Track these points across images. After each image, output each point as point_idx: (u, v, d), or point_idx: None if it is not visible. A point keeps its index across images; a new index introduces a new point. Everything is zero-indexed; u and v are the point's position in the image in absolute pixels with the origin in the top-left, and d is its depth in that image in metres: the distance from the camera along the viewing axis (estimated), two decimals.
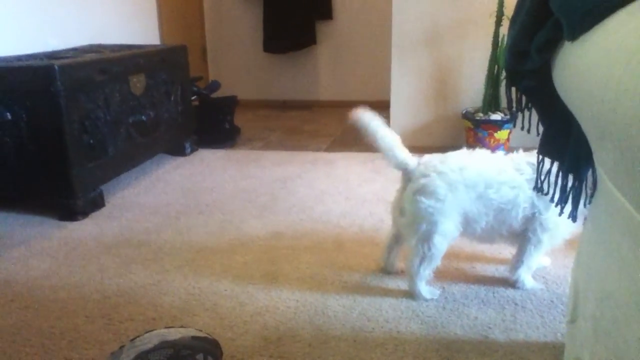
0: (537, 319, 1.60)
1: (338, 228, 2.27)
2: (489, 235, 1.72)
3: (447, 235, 1.66)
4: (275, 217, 2.39)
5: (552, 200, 1.43)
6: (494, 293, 1.75)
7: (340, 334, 1.56)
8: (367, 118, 1.79)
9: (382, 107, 4.47)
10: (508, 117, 2.96)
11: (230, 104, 3.72)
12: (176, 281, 1.87)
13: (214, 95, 3.77)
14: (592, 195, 1.39)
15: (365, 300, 1.73)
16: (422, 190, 1.68)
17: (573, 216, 1.40)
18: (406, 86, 3.25)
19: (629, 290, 0.98)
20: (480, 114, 2.99)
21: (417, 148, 3.28)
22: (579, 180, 1.35)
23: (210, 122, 3.62)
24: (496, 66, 2.93)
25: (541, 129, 1.44)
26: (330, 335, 1.55)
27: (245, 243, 2.15)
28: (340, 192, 2.69)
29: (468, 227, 1.68)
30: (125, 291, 1.80)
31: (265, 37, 4.77)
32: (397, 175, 2.90)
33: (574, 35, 1.00)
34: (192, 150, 3.42)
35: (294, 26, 4.69)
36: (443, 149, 3.27)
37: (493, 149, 2.95)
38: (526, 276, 1.76)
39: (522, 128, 1.46)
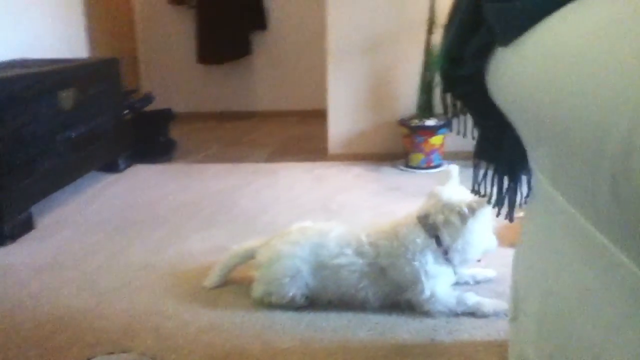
0: (480, 319, 1.63)
1: None
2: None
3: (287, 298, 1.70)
4: (218, 231, 2.35)
5: (488, 202, 1.46)
6: None
7: (289, 346, 1.54)
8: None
9: (319, 116, 4.51)
10: (442, 122, 3.03)
11: (165, 117, 3.64)
12: (114, 303, 1.79)
13: (148, 108, 3.67)
14: (527, 196, 1.43)
15: (312, 310, 1.71)
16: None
17: (510, 217, 1.44)
18: (343, 94, 3.28)
19: (570, 287, 1.01)
20: (416, 120, 3.05)
21: (356, 156, 3.31)
22: (514, 182, 1.39)
23: (145, 136, 3.52)
24: (428, 73, 3.00)
25: (476, 133, 1.48)
26: (279, 348, 1.53)
27: (187, 259, 2.10)
28: (283, 202, 2.67)
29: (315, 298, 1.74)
30: (60, 317, 1.71)
31: (199, 48, 4.70)
32: (339, 183, 2.92)
33: (507, 40, 1.03)
34: (127, 166, 3.32)
35: (228, 37, 4.64)
36: (382, 156, 3.33)
37: (428, 154, 3.01)
38: (435, 295, 1.66)
39: (458, 133, 1.49)
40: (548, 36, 0.89)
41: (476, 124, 1.43)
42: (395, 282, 1.66)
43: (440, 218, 1.63)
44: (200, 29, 4.66)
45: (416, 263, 1.61)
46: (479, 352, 1.48)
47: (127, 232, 2.37)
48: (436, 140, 3.02)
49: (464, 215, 1.62)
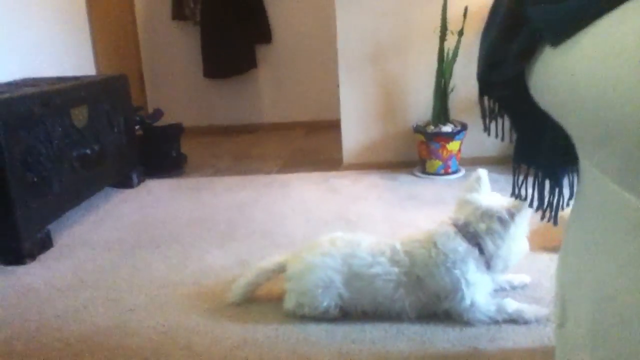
0: (522, 326, 1.59)
1: None
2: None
3: (320, 309, 1.66)
4: (237, 245, 2.31)
5: (530, 205, 1.43)
6: None
7: (327, 359, 1.50)
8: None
9: (327, 127, 4.49)
10: (459, 128, 3.01)
11: (176, 131, 3.61)
12: (142, 320, 1.75)
13: (157, 123, 3.65)
14: (570, 198, 1.40)
15: (346, 322, 1.67)
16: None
17: (554, 220, 1.41)
18: (355, 104, 3.26)
19: (631, 291, 0.98)
20: (432, 127, 3.02)
21: (371, 165, 3.29)
22: (556, 184, 1.36)
23: (156, 151, 3.49)
24: (443, 79, 2.98)
25: (514, 136, 1.45)
26: None
27: (209, 274, 2.06)
28: (299, 214, 2.64)
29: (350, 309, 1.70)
30: (88, 336, 1.67)
31: (205, 63, 4.69)
32: (355, 193, 2.89)
33: (558, 41, 1.00)
34: (139, 182, 3.28)
35: (233, 50, 4.63)
36: (396, 164, 3.30)
37: (446, 161, 2.99)
38: (476, 304, 1.61)
39: (496, 136, 1.46)
40: (609, 35, 0.86)
41: (514, 127, 1.41)
42: (433, 292, 1.62)
43: (482, 226, 1.60)
44: (204, 44, 4.65)
45: (457, 271, 1.58)
46: (524, 359, 1.44)
47: (146, 248, 2.33)
48: (453, 146, 3.00)
49: (505, 222, 1.59)
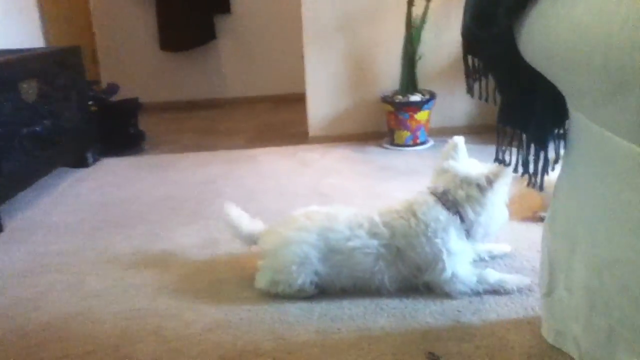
0: (505, 296, 1.55)
1: None
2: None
3: (295, 287, 1.59)
4: (207, 222, 2.20)
5: (515, 170, 1.38)
6: None
7: (305, 339, 1.42)
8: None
9: (293, 100, 4.37)
10: (427, 97, 2.94)
11: (133, 107, 3.44)
12: (107, 306, 1.64)
13: (113, 99, 3.47)
14: (556, 162, 1.35)
15: (323, 299, 1.60)
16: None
17: (540, 186, 1.35)
18: (322, 74, 3.15)
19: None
20: (400, 97, 2.95)
21: (339, 137, 3.20)
22: (544, 148, 1.30)
23: (113, 128, 3.32)
24: (411, 47, 2.90)
25: (498, 98, 1.38)
26: (296, 343, 1.41)
27: (179, 254, 1.95)
28: (271, 189, 2.54)
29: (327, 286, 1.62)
30: (48, 325, 1.55)
31: (161, 35, 4.49)
32: (326, 166, 2.81)
33: None
34: (96, 161, 3.12)
35: (190, 21, 4.45)
36: (364, 136, 3.23)
37: (414, 131, 2.93)
38: (457, 275, 1.56)
39: (480, 98, 1.39)
40: None
41: (501, 88, 1.34)
42: (413, 263, 1.56)
43: (461, 194, 1.54)
44: (160, 15, 4.45)
45: (438, 241, 1.52)
46: (510, 331, 1.40)
47: (108, 229, 2.20)
48: (422, 116, 2.94)
49: (483, 188, 1.54)
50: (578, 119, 1.09)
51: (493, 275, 1.57)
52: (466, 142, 1.67)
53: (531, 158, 1.33)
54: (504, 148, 1.38)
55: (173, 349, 1.42)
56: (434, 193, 1.59)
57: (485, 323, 1.44)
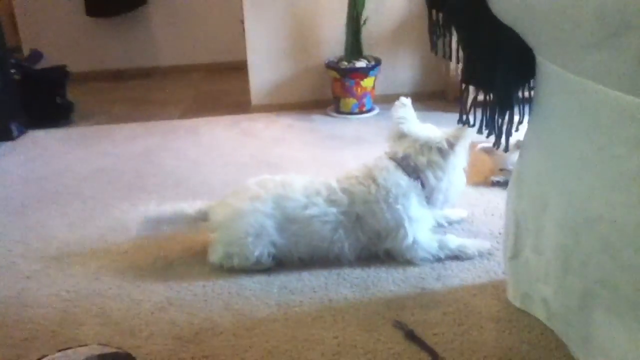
0: (466, 262, 1.52)
1: None
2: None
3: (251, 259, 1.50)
4: (148, 196, 2.06)
5: (479, 131, 1.33)
6: None
7: (266, 315, 1.35)
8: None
9: (230, 69, 4.20)
10: (373, 63, 2.88)
11: (60, 75, 3.19)
12: (42, 288, 1.50)
13: (38, 67, 3.21)
14: (520, 122, 1.31)
15: (281, 271, 1.52)
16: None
17: (506, 146, 1.32)
18: (263, 40, 3.02)
19: (630, 208, 0.87)
20: (345, 63, 2.87)
21: (283, 106, 3.10)
22: (510, 106, 1.26)
23: (38, 98, 3.07)
24: (355, 10, 2.81)
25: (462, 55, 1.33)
26: (256, 318, 1.33)
27: (118, 230, 1.82)
28: (214, 160, 2.42)
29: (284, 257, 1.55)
30: None
31: None
32: (271, 136, 2.71)
33: None
34: (21, 133, 2.88)
35: None
36: (309, 104, 3.14)
37: (361, 98, 2.87)
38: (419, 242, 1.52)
39: (443, 55, 1.33)
40: None
41: (464, 44, 1.28)
42: (373, 231, 1.51)
43: (422, 159, 1.50)
44: None
45: (399, 207, 1.47)
46: (476, 296, 1.37)
47: (39, 206, 2.03)
48: (368, 82, 2.87)
49: (445, 152, 1.50)
50: (552, 73, 1.04)
51: (454, 241, 1.54)
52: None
53: (494, 117, 1.29)
54: (468, 108, 1.33)
55: (121, 331, 1.31)
56: (393, 159, 1.54)
57: (449, 289, 1.41)
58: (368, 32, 2.96)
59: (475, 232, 1.68)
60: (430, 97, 3.06)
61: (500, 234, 1.63)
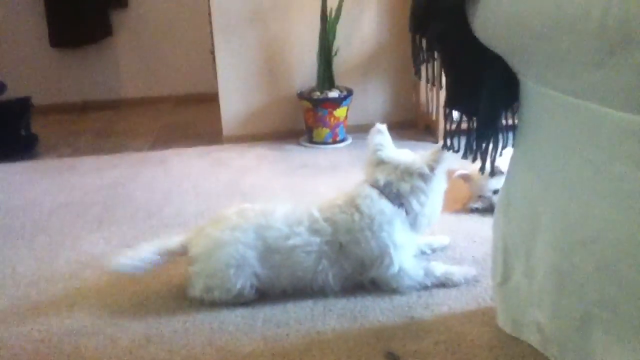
0: (452, 289, 1.50)
1: None
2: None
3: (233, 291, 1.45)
4: (118, 228, 1.99)
5: (464, 156, 1.33)
6: None
7: (252, 349, 1.29)
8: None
9: (199, 101, 4.17)
10: (345, 93, 2.89)
11: (24, 106, 3.10)
12: (11, 328, 1.41)
13: (0, 99, 3.11)
14: (504, 147, 1.31)
15: (264, 304, 1.47)
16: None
17: (492, 171, 1.32)
18: (233, 70, 3.00)
19: (629, 226, 0.86)
20: (317, 93, 2.87)
21: (254, 136, 3.07)
22: (495, 130, 1.26)
23: (1, 130, 2.97)
24: (327, 40, 2.83)
25: (445, 81, 1.33)
26: (241, 354, 1.28)
27: (88, 264, 1.74)
28: (186, 190, 2.36)
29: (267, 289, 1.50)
30: None
31: (51, 29, 4.11)
32: (243, 166, 2.67)
33: None
34: None
35: (83, 16, 4.10)
36: (281, 134, 3.12)
37: (333, 128, 2.87)
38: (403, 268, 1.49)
39: (427, 81, 1.34)
40: None
41: (448, 69, 1.28)
42: (358, 260, 1.48)
43: (404, 186, 1.48)
44: (50, 7, 4.07)
45: (384, 234, 1.45)
46: (465, 324, 1.35)
47: (3, 242, 1.93)
48: (340, 112, 2.88)
49: (427, 177, 1.49)
50: (541, 95, 1.05)
51: (439, 268, 1.52)
52: None
53: (479, 142, 1.29)
54: (452, 133, 1.33)
55: None
56: (375, 186, 1.52)
57: (438, 317, 1.38)
58: (339, 63, 2.98)
59: (458, 259, 1.66)
60: (401, 126, 3.07)
61: (484, 260, 1.62)
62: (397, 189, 1.50)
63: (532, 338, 1.23)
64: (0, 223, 2.10)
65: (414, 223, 1.52)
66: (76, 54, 4.23)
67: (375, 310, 1.42)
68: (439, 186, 1.54)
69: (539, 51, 0.93)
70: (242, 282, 1.44)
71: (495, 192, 1.89)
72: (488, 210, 1.93)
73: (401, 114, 3.14)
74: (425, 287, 1.50)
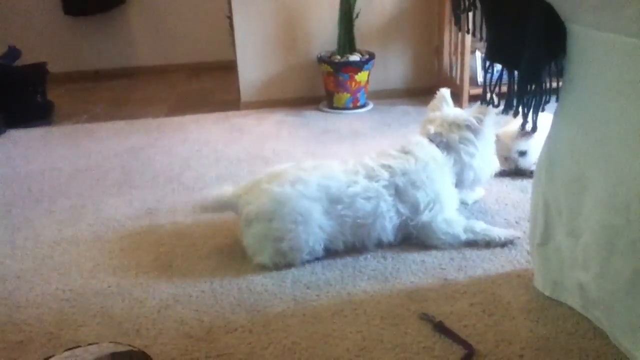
0: (485, 251, 1.45)
1: None
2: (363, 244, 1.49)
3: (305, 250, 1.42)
4: (138, 192, 1.96)
5: (505, 112, 1.27)
6: None
7: (282, 310, 1.26)
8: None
9: (215, 69, 4.10)
10: (366, 57, 2.81)
11: (39, 73, 3.06)
12: (34, 288, 1.39)
13: (16, 64, 3.07)
14: (547, 102, 1.25)
15: (288, 267, 1.42)
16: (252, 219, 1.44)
17: (534, 125, 1.26)
18: (252, 35, 2.93)
19: None
20: (338, 57, 2.80)
21: (273, 102, 3.01)
22: (539, 83, 1.20)
23: (17, 96, 2.93)
24: (348, 2, 2.75)
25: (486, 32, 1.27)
26: (272, 314, 1.25)
27: (112, 227, 1.71)
28: (206, 155, 2.32)
29: (331, 243, 1.46)
30: None
31: None
32: (263, 132, 2.62)
33: None
34: (0, 132, 2.74)
35: None
36: (300, 100, 3.06)
37: (354, 93, 2.80)
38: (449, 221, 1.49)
39: (468, 32, 1.27)
40: None
41: (489, 20, 1.22)
42: (412, 203, 1.46)
43: (454, 136, 1.52)
44: None
45: (437, 178, 1.47)
46: (500, 286, 1.30)
47: (25, 205, 1.91)
48: (362, 77, 2.81)
49: (475, 128, 1.52)
50: (595, 41, 0.98)
51: (479, 225, 1.49)
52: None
53: (521, 97, 1.22)
54: (493, 87, 1.27)
55: (125, 331, 1.21)
56: (428, 136, 1.55)
57: (473, 279, 1.34)
58: (359, 27, 2.89)
59: (491, 223, 1.60)
60: (422, 93, 2.99)
61: (517, 223, 1.58)
62: (447, 139, 1.53)
63: (573, 300, 1.19)
64: (20, 187, 2.07)
65: (460, 175, 1.54)
66: (90, 22, 4.16)
67: (407, 272, 1.38)
68: (487, 140, 1.56)
69: None
70: (312, 239, 1.40)
71: (522, 153, 1.85)
72: (512, 172, 1.89)
73: (423, 79, 3.06)
74: (461, 242, 1.47)
